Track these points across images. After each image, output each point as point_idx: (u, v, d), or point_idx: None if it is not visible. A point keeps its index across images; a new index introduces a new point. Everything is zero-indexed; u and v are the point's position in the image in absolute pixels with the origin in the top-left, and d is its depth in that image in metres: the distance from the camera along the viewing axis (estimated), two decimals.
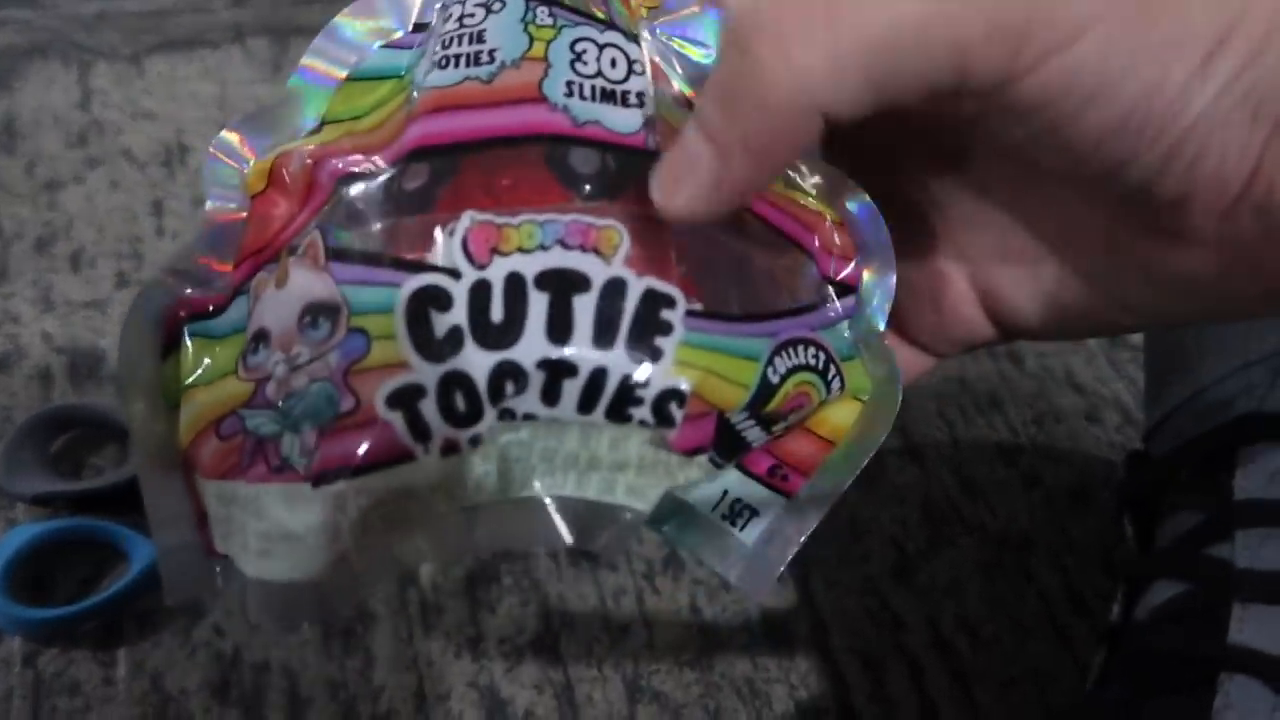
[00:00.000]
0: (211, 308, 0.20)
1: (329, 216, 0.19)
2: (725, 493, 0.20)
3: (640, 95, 0.20)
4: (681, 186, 0.18)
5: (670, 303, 0.18)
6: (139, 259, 0.44)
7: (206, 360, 0.20)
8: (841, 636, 0.36)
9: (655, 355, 0.18)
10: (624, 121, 0.19)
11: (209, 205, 0.21)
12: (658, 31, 0.22)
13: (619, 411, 0.18)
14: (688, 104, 0.21)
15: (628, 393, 0.18)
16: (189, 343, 0.20)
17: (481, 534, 0.19)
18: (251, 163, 0.21)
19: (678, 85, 0.21)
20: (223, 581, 0.19)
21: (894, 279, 0.22)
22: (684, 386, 0.18)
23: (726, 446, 0.20)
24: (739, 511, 0.20)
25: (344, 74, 0.21)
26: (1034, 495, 0.40)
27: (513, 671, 0.34)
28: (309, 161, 0.20)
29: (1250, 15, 0.17)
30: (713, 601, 0.36)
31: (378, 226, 0.19)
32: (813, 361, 0.20)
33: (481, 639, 0.35)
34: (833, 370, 0.20)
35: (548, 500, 0.19)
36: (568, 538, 0.19)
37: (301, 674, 0.33)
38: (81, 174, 0.47)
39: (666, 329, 0.18)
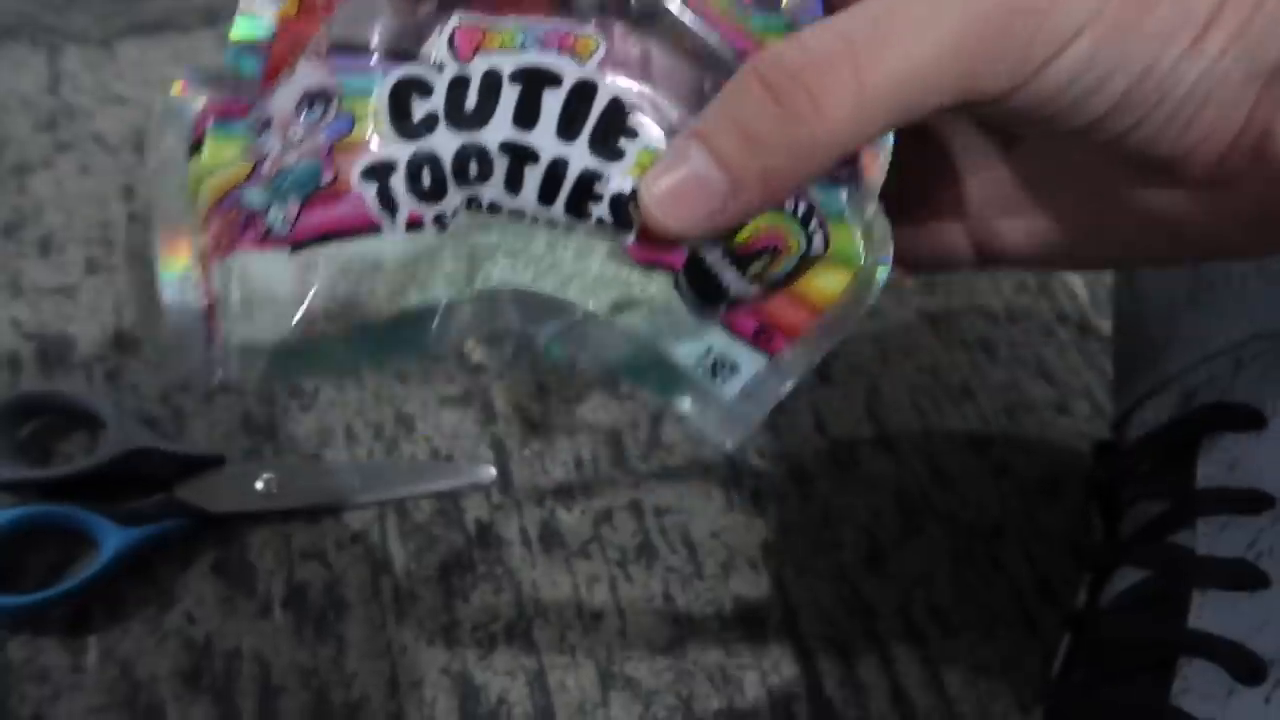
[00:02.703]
0: (236, 112, 0.21)
1: (339, 15, 0.20)
2: (709, 349, 0.21)
3: None
4: (684, 207, 0.18)
5: (639, 110, 0.19)
6: (109, 244, 0.44)
7: (224, 154, 0.21)
8: (813, 624, 0.36)
9: (616, 155, 0.19)
10: None
11: (242, 21, 0.22)
12: None
13: (578, 206, 0.19)
14: None
15: (586, 187, 0.19)
16: (210, 140, 0.21)
17: (438, 328, 0.21)
18: None
19: None
20: (220, 371, 0.21)
21: (891, 143, 0.21)
22: None
23: (698, 283, 0.21)
24: (720, 366, 0.21)
25: None
26: (1004, 485, 0.41)
27: (486, 658, 0.34)
28: None
29: None
30: (685, 589, 0.36)
31: (379, 25, 0.20)
32: (789, 208, 0.20)
33: (455, 626, 0.35)
34: (814, 223, 0.21)
35: (503, 291, 0.20)
36: (515, 322, 0.20)
37: (273, 661, 0.33)
38: (51, 158, 0.47)
39: (631, 133, 0.19)
